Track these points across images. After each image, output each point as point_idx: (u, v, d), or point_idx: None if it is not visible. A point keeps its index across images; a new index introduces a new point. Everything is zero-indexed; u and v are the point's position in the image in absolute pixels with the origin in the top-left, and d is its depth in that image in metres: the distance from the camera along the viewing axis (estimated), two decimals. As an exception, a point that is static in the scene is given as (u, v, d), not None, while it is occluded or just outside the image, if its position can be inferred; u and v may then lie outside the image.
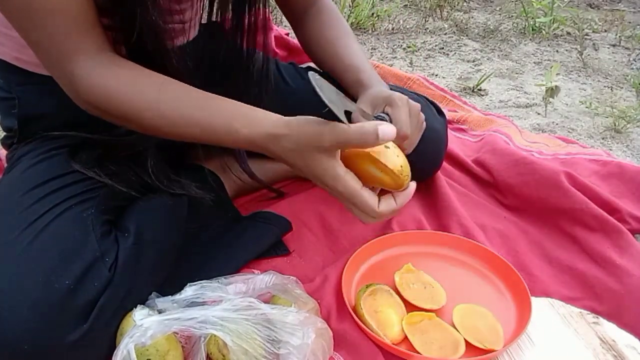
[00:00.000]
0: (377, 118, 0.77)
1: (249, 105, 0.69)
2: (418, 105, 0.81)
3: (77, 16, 0.67)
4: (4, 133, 0.87)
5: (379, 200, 0.67)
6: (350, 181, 0.65)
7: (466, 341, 0.76)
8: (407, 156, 0.71)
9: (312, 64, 1.23)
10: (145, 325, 0.64)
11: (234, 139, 0.68)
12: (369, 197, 0.65)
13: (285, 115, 0.67)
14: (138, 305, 0.69)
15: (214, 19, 0.87)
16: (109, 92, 0.69)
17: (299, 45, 1.38)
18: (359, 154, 0.66)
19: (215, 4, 0.85)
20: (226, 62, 0.89)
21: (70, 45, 0.67)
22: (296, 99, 0.96)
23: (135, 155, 0.82)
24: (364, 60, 0.93)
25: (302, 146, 0.64)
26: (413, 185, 0.70)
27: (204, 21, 0.94)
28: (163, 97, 0.69)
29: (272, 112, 0.69)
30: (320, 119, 0.64)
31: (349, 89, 0.90)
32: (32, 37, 0.68)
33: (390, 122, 0.76)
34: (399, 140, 0.73)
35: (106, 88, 0.69)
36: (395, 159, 0.66)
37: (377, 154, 0.65)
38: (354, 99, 0.85)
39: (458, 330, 0.77)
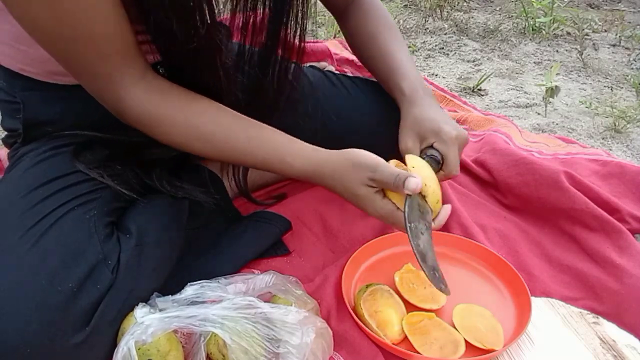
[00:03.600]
0: (430, 157, 0.81)
1: (299, 140, 0.76)
2: (465, 133, 0.84)
3: (122, 42, 0.67)
4: (5, 132, 0.87)
5: None
6: (387, 206, 0.73)
7: (466, 341, 0.76)
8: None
9: (314, 64, 1.23)
10: (146, 322, 0.64)
11: (286, 172, 0.75)
12: (402, 217, 0.72)
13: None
14: (140, 303, 0.69)
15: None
16: (162, 120, 0.72)
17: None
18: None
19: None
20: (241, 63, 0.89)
21: (117, 70, 0.68)
22: (302, 100, 0.96)
23: (140, 161, 0.82)
24: (406, 61, 0.93)
25: (346, 183, 0.73)
26: (447, 208, 0.76)
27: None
28: (215, 128, 0.73)
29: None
30: (363, 155, 0.73)
31: (390, 92, 0.93)
32: (76, 66, 0.68)
33: (442, 161, 0.81)
34: (446, 179, 0.83)
35: (157, 115, 0.71)
36: (432, 197, 0.73)
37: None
38: (395, 102, 0.91)
39: (458, 330, 0.77)
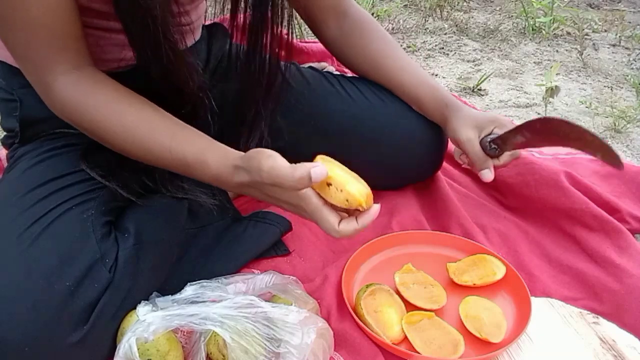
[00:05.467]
0: (493, 141, 0.90)
1: (219, 143, 0.71)
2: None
3: (57, 30, 0.67)
4: (4, 133, 0.87)
5: (341, 220, 0.66)
6: (312, 199, 0.65)
7: (465, 337, 0.76)
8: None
9: (313, 64, 1.23)
10: (148, 320, 0.65)
11: (202, 170, 0.70)
12: (328, 215, 0.65)
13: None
14: (142, 301, 0.69)
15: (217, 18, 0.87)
16: (86, 109, 0.70)
17: (299, 45, 1.38)
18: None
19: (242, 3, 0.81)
20: (232, 61, 0.89)
21: (48, 57, 0.68)
22: (299, 101, 0.96)
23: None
24: (426, 74, 0.98)
25: (259, 182, 0.65)
26: (376, 207, 0.67)
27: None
28: (139, 122, 0.70)
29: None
30: (279, 159, 0.64)
31: (416, 103, 0.98)
32: (11, 44, 0.69)
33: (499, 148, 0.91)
34: (512, 159, 0.94)
35: (83, 105, 0.70)
36: (337, 195, 0.64)
37: (321, 190, 0.65)
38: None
39: (461, 318, 0.78)
